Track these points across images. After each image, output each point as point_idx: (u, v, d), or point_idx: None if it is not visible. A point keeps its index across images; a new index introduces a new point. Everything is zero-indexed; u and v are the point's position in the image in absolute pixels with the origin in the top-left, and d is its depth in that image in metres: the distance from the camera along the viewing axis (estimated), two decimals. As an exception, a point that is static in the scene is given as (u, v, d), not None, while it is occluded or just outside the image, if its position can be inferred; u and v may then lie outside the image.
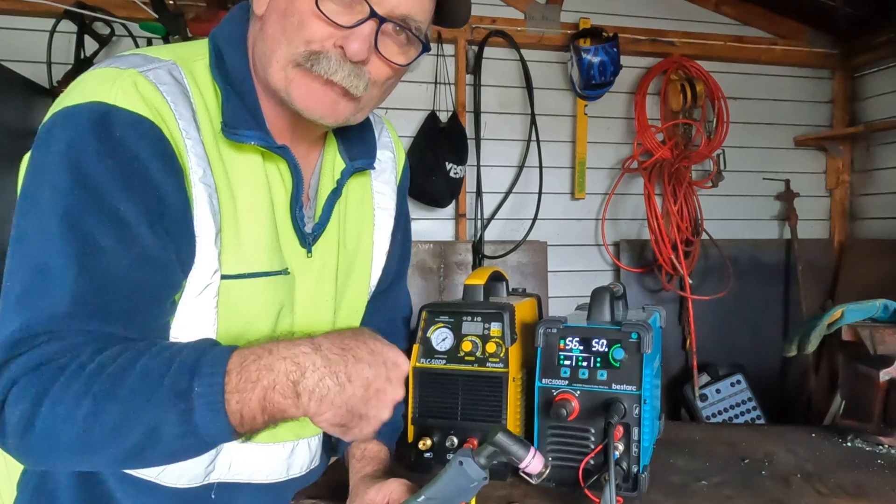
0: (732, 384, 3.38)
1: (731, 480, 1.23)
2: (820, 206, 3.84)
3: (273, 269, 0.96)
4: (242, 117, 0.91)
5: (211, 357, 0.74)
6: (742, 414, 3.36)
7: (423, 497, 0.92)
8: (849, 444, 1.46)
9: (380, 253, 1.19)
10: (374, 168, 1.12)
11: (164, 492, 0.96)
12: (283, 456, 1.07)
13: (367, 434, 0.80)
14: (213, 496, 1.00)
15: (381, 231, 1.18)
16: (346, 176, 1.07)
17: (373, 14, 0.87)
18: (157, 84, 0.85)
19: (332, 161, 1.08)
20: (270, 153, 0.95)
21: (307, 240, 1.02)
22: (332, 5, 0.87)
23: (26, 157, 0.88)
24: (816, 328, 1.60)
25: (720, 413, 3.35)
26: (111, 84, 0.83)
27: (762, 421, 3.35)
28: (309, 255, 1.03)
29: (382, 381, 0.79)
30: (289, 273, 0.99)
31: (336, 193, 1.06)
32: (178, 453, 0.78)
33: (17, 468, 0.98)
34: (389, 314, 1.28)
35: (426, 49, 0.95)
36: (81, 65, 2.81)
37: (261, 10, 0.92)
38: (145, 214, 0.81)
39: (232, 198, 0.91)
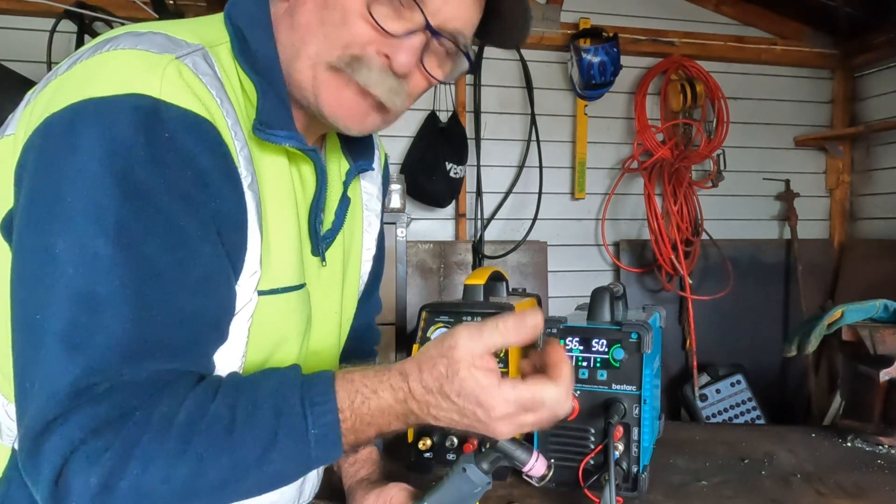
0: (732, 384, 3.38)
1: (731, 480, 1.23)
2: (820, 206, 3.84)
3: (300, 283, 0.89)
4: (279, 115, 0.81)
5: (317, 395, 0.71)
6: (742, 414, 3.36)
7: None
8: (849, 444, 1.46)
9: (368, 256, 1.14)
10: (373, 168, 1.07)
11: None
12: (297, 483, 1.01)
13: (501, 432, 0.75)
14: None
15: (369, 234, 1.13)
16: (350, 177, 1.00)
17: (427, 26, 0.79)
18: (199, 75, 0.73)
19: (339, 161, 1.01)
20: (295, 154, 0.86)
21: (321, 247, 0.95)
22: (383, 8, 0.78)
23: (6, 146, 0.75)
24: (816, 328, 1.59)
25: (720, 413, 3.35)
26: (152, 73, 0.69)
27: (762, 421, 3.35)
28: (323, 263, 0.96)
29: (475, 421, 0.73)
30: (305, 285, 0.91)
31: (345, 199, 0.99)
32: (284, 484, 0.74)
33: None
34: (366, 317, 1.22)
35: (472, 69, 0.88)
36: (81, 65, 2.81)
37: None
38: (205, 230, 0.72)
39: (265, 201, 0.82)
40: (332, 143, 1.02)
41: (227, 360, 0.81)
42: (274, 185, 0.83)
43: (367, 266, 1.14)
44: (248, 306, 0.81)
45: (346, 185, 1.00)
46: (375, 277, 1.20)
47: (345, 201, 0.99)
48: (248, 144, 0.79)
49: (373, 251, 1.14)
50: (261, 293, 0.82)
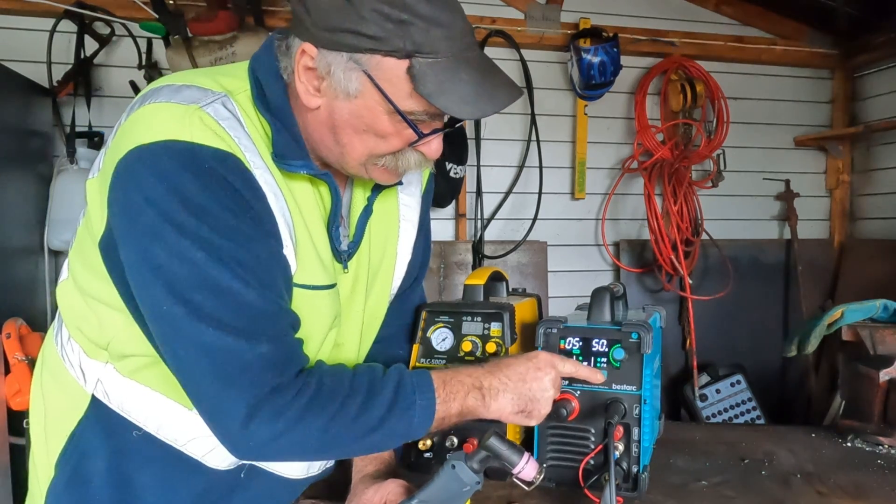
0: (732, 384, 3.37)
1: (731, 480, 1.23)
2: (820, 206, 3.84)
3: (331, 283, 1.04)
4: (291, 148, 0.97)
5: (422, 379, 0.98)
6: (742, 414, 3.36)
7: (416, 500, 0.93)
8: (849, 444, 1.46)
9: (402, 262, 1.22)
10: (401, 184, 1.14)
11: (205, 471, 1.04)
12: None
13: (543, 415, 1.04)
14: (242, 476, 1.07)
15: (404, 242, 1.21)
16: (376, 192, 1.11)
17: (446, 122, 1.00)
18: (218, 120, 0.90)
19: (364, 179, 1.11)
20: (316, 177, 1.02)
21: (343, 256, 1.08)
22: (416, 117, 0.93)
23: (93, 186, 0.95)
24: (816, 328, 1.60)
25: (720, 413, 3.35)
26: (180, 122, 0.88)
27: (762, 421, 3.35)
28: (345, 270, 1.09)
29: (533, 371, 1.03)
30: (336, 285, 1.06)
31: (368, 211, 1.11)
32: (388, 447, 1.03)
33: (56, 449, 1.02)
34: (405, 318, 1.30)
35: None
36: (81, 65, 2.81)
37: (313, 104, 0.95)
38: (254, 229, 0.91)
39: (301, 216, 0.99)
40: None
41: None
42: (304, 201, 1.00)
43: (401, 271, 1.22)
44: None
45: (370, 199, 1.10)
46: (414, 280, 1.29)
47: (365, 213, 1.11)
48: (275, 170, 0.96)
49: (408, 257, 1.23)
50: (296, 285, 0.99)
